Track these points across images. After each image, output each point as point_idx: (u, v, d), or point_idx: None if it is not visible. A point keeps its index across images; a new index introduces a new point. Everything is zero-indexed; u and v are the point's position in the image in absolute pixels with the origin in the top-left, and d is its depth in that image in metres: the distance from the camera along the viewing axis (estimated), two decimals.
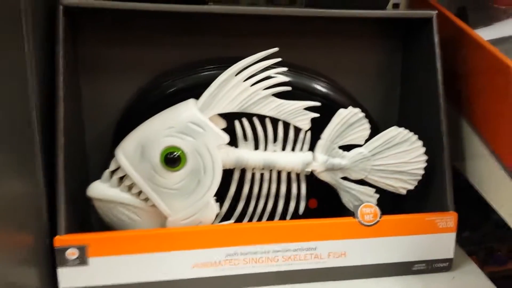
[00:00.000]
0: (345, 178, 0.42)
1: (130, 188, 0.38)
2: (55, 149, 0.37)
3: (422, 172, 0.42)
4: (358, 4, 0.42)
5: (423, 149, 0.41)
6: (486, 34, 0.44)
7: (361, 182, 0.42)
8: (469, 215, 0.42)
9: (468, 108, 0.44)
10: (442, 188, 0.42)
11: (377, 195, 0.42)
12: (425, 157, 0.42)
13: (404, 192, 0.42)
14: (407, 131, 0.41)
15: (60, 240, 0.36)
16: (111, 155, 0.39)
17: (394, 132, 0.41)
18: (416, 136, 0.41)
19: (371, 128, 0.41)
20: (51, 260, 0.36)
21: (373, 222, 0.40)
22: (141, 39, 0.43)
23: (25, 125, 0.34)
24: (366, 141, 0.41)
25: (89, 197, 0.38)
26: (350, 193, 0.42)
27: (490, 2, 0.51)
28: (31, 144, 0.35)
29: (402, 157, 0.41)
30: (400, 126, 0.41)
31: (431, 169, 0.42)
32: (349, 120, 0.40)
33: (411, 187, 0.42)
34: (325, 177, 0.41)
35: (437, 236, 0.41)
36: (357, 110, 0.40)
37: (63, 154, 0.37)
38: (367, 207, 0.40)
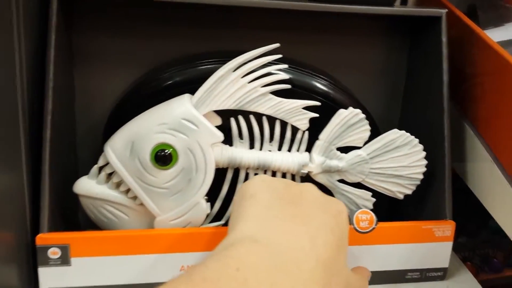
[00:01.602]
0: (341, 181, 0.40)
1: (118, 185, 0.37)
2: (41, 143, 0.35)
3: (421, 177, 0.40)
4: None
5: (424, 154, 0.40)
6: (496, 35, 0.42)
7: (358, 185, 0.41)
8: (467, 221, 0.41)
9: (472, 111, 0.43)
10: (441, 195, 0.41)
11: (374, 199, 0.40)
12: (425, 162, 0.40)
13: (401, 197, 0.41)
14: (407, 134, 0.40)
15: (42, 239, 0.34)
16: (101, 151, 0.37)
17: (395, 135, 0.40)
18: (416, 140, 0.40)
19: (371, 130, 0.40)
20: (33, 259, 0.35)
21: (369, 229, 0.38)
22: (138, 30, 0.41)
23: (10, 116, 0.33)
24: (366, 143, 0.40)
25: (75, 194, 0.37)
26: (346, 196, 0.41)
27: (501, 1, 0.49)
28: (15, 136, 0.33)
29: (401, 161, 0.40)
30: (401, 126, 0.40)
31: (430, 174, 0.41)
32: (349, 121, 0.39)
33: (409, 192, 0.41)
34: (321, 179, 0.40)
35: (433, 245, 0.40)
36: (358, 111, 0.39)
37: (49, 147, 0.35)
38: (363, 213, 0.39)
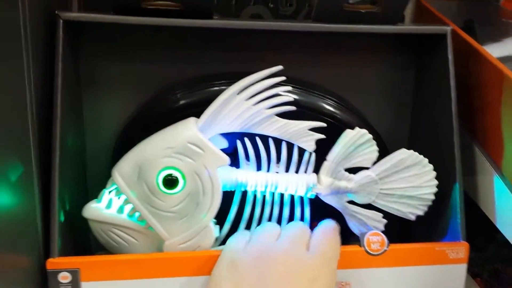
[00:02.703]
0: (351, 202, 0.40)
1: (126, 209, 0.37)
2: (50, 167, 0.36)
3: (432, 197, 0.40)
4: (369, 18, 0.40)
5: (434, 174, 0.39)
6: (495, 51, 0.41)
7: (368, 206, 0.40)
8: (475, 236, 0.40)
9: (476, 126, 0.42)
10: (453, 215, 0.40)
11: (385, 221, 0.40)
12: (435, 182, 0.39)
13: (413, 217, 0.40)
14: (417, 154, 0.39)
15: (52, 263, 0.35)
16: (110, 174, 0.37)
17: (404, 155, 0.39)
18: (426, 160, 0.39)
19: (380, 150, 0.39)
20: (45, 284, 0.35)
21: (380, 252, 0.38)
22: (144, 54, 0.42)
23: (22, 143, 0.33)
24: (375, 163, 0.39)
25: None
26: (356, 218, 0.40)
27: (497, 16, 0.48)
28: (28, 161, 0.34)
29: (411, 181, 0.39)
30: (411, 145, 0.39)
31: (441, 194, 0.40)
32: (356, 142, 0.38)
33: (421, 212, 0.40)
34: (330, 200, 0.40)
35: (447, 267, 0.39)
36: (364, 131, 0.38)
37: (58, 172, 0.36)
38: (374, 235, 0.38)
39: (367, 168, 0.39)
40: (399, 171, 0.39)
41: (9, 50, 0.31)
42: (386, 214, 0.40)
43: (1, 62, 0.30)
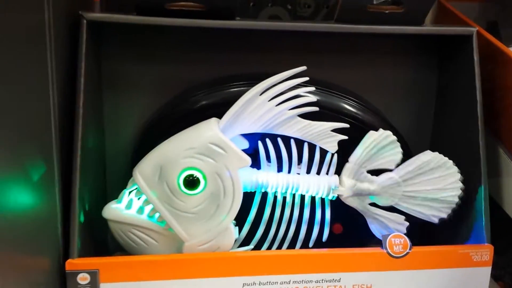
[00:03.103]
0: (373, 204, 0.39)
1: (147, 210, 0.37)
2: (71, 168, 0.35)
3: (457, 200, 0.39)
4: (393, 19, 0.39)
5: (459, 176, 0.39)
6: None
7: (391, 208, 0.39)
8: (496, 239, 0.39)
9: (501, 128, 0.42)
10: (478, 218, 0.39)
11: (407, 223, 0.39)
12: (460, 184, 0.39)
13: (436, 220, 0.40)
14: (441, 156, 0.39)
15: (71, 264, 0.35)
16: (130, 175, 0.37)
17: (428, 157, 0.39)
18: (451, 162, 0.39)
19: (403, 152, 0.39)
20: (64, 285, 0.35)
21: (403, 254, 0.37)
22: (165, 55, 0.42)
23: (45, 143, 0.33)
24: (398, 165, 0.39)
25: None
26: (378, 220, 0.39)
27: None
28: (49, 162, 0.34)
29: (436, 183, 0.39)
30: (433, 147, 0.39)
31: (466, 196, 0.39)
32: (379, 143, 0.38)
33: (444, 215, 0.39)
34: (352, 202, 0.39)
35: (471, 270, 0.38)
36: (389, 132, 0.38)
37: (79, 173, 0.36)
38: (397, 237, 0.37)
39: (390, 170, 0.39)
40: (423, 173, 0.39)
41: (35, 51, 0.31)
42: (409, 217, 0.39)
43: (27, 62, 0.30)
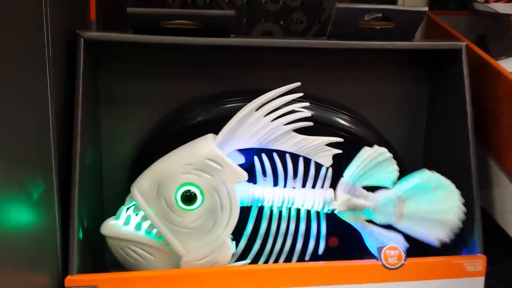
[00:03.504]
0: (371, 222, 0.39)
1: (144, 226, 0.37)
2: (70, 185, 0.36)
3: (459, 224, 0.38)
4: (383, 35, 0.40)
5: (460, 199, 0.38)
6: (509, 65, 0.42)
7: (389, 227, 0.39)
8: (488, 249, 0.40)
9: (492, 141, 0.43)
10: (470, 229, 0.40)
11: (406, 244, 0.39)
12: (462, 208, 0.38)
13: (437, 243, 0.38)
14: (441, 176, 0.38)
15: (70, 281, 0.35)
16: (128, 189, 0.38)
17: (427, 176, 0.38)
18: (452, 185, 0.38)
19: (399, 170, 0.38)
20: None
21: (398, 265, 0.38)
22: (161, 72, 0.42)
23: (44, 161, 0.34)
24: (394, 183, 0.39)
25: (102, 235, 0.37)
26: (375, 238, 0.39)
27: (508, 30, 0.49)
28: (49, 180, 0.34)
29: (436, 204, 0.38)
30: (425, 159, 0.39)
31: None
32: (374, 160, 0.38)
33: (446, 238, 0.38)
34: (347, 217, 0.39)
35: (464, 281, 0.39)
36: (384, 149, 0.38)
37: (77, 190, 0.36)
38: (391, 249, 0.38)
39: (387, 188, 0.39)
40: (422, 193, 0.38)
41: (33, 70, 0.32)
42: (408, 237, 0.39)
43: (25, 81, 0.30)
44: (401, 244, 0.39)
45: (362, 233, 0.40)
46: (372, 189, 0.39)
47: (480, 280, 0.39)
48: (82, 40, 0.37)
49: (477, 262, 0.39)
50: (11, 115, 0.28)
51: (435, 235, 0.39)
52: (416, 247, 0.39)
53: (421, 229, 0.39)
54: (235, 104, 0.40)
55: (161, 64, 0.42)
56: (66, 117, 0.37)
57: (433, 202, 0.38)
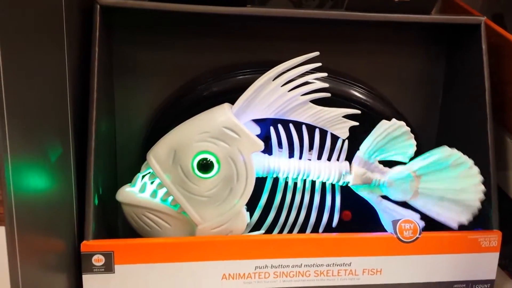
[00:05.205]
0: (386, 198, 0.39)
1: (160, 193, 0.37)
2: (86, 152, 0.36)
3: (479, 205, 0.38)
4: (401, 8, 0.40)
5: (480, 178, 0.38)
6: None
7: (404, 204, 0.39)
8: (502, 228, 0.39)
9: (510, 120, 0.42)
10: (486, 204, 0.39)
11: (422, 222, 0.38)
12: (482, 187, 0.38)
13: (455, 225, 0.38)
14: (460, 153, 0.38)
15: (86, 246, 0.35)
16: (141, 159, 0.38)
17: (446, 153, 0.38)
18: (471, 161, 0.37)
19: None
20: (79, 267, 0.35)
21: (413, 239, 0.38)
22: (177, 42, 0.42)
23: (61, 124, 0.34)
24: (411, 158, 0.38)
25: (118, 202, 0.37)
26: (390, 215, 0.39)
27: None
28: (66, 144, 0.34)
29: (454, 183, 0.37)
30: (440, 137, 0.39)
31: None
32: (391, 134, 0.38)
33: (464, 220, 0.38)
34: (362, 192, 0.39)
35: (479, 256, 0.39)
36: (402, 123, 0.38)
37: (93, 157, 0.36)
38: (407, 222, 0.38)
39: (404, 163, 0.39)
40: (440, 170, 0.38)
41: (50, 37, 0.32)
42: (424, 216, 0.39)
43: (43, 49, 0.30)
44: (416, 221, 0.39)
45: (376, 209, 0.40)
46: (388, 165, 0.39)
47: (495, 256, 0.39)
48: (98, 6, 0.36)
49: (492, 238, 0.39)
50: (30, 83, 0.28)
51: (453, 217, 0.38)
52: (431, 224, 0.39)
53: (439, 209, 0.38)
54: (248, 76, 0.40)
55: (178, 34, 0.42)
56: (81, 84, 0.36)
57: (451, 180, 0.38)
